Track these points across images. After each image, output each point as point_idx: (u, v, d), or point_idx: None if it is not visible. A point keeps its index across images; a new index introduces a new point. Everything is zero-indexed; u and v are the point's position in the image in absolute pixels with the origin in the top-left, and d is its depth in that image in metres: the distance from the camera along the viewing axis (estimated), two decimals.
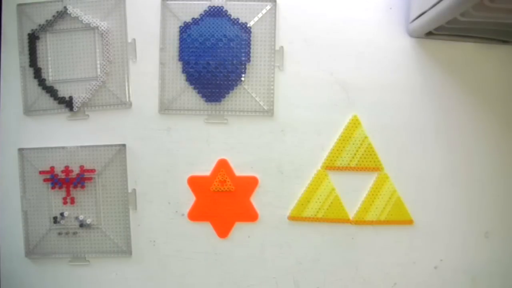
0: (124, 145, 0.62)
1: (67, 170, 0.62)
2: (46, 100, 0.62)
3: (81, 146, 0.62)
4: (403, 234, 0.60)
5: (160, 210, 0.62)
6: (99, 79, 0.61)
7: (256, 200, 0.61)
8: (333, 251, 0.61)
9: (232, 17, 0.60)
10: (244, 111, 0.61)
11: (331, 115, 0.61)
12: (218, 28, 0.61)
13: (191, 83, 0.61)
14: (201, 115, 0.61)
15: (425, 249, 0.61)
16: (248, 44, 0.60)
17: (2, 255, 0.64)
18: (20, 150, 0.62)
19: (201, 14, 0.61)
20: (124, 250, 0.62)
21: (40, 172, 0.62)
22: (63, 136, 0.63)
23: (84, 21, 0.61)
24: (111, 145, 0.62)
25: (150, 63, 0.61)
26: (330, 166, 0.60)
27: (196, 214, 0.61)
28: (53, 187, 0.62)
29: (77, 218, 0.62)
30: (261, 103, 0.61)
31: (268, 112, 0.61)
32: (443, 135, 0.61)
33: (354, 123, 0.60)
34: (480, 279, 0.61)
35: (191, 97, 0.61)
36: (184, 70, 0.61)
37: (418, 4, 0.55)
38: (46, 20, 0.62)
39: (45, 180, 0.62)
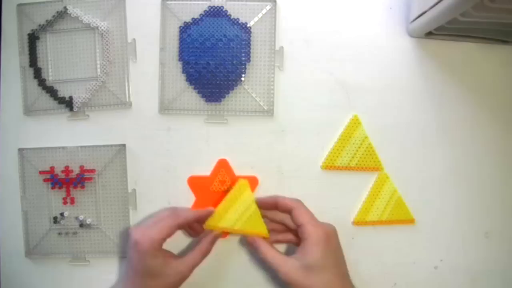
0: (124, 145, 0.62)
1: (67, 170, 0.62)
2: (46, 100, 0.62)
3: (81, 146, 0.62)
4: (403, 234, 0.60)
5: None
6: (99, 79, 0.61)
7: None
8: None
9: (232, 17, 0.60)
10: (244, 111, 0.61)
11: (331, 115, 0.61)
12: (218, 28, 0.61)
13: (191, 83, 0.61)
14: (201, 115, 0.61)
15: (425, 249, 0.61)
16: (248, 44, 0.60)
17: (2, 255, 0.64)
18: (20, 150, 0.62)
19: (201, 14, 0.61)
20: (124, 250, 0.62)
21: (40, 172, 0.62)
22: (63, 136, 0.63)
23: (84, 21, 0.61)
24: (111, 145, 0.62)
25: (150, 63, 0.61)
26: (330, 166, 0.60)
27: None
28: (53, 187, 0.62)
29: (77, 218, 0.62)
30: (261, 103, 0.61)
31: (268, 112, 0.61)
32: (443, 134, 0.61)
33: (354, 123, 0.60)
34: (480, 279, 0.61)
35: (191, 97, 0.61)
36: (184, 70, 0.61)
37: (418, 4, 0.55)
38: (46, 20, 0.62)
39: (45, 180, 0.62)
